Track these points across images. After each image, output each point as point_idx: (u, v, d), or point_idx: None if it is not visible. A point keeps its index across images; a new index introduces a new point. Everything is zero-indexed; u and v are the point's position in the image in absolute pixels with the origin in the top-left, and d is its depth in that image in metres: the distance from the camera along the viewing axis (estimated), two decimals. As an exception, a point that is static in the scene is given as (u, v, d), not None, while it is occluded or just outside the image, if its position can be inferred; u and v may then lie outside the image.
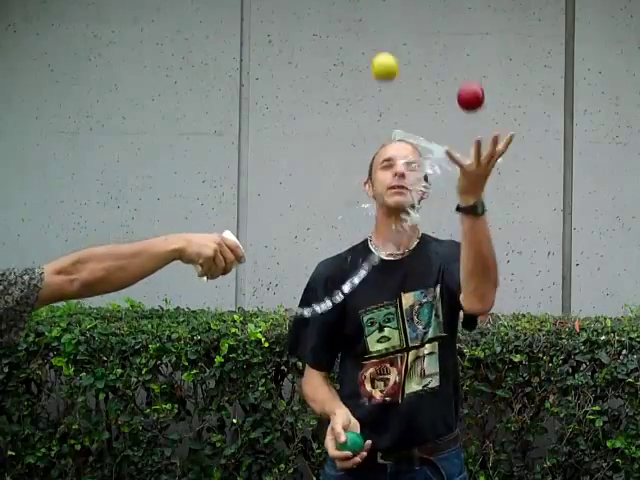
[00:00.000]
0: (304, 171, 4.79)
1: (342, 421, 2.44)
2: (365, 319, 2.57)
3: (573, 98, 4.79)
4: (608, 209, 4.77)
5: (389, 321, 2.54)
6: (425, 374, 2.55)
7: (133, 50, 4.84)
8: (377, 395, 2.55)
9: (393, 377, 2.54)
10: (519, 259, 4.74)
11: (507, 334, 3.93)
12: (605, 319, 4.09)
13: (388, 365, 2.55)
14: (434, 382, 2.55)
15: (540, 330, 3.97)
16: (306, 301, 2.64)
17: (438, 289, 2.55)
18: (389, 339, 2.53)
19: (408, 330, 2.54)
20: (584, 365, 3.94)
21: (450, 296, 2.52)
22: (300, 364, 3.89)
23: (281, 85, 4.82)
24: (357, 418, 2.52)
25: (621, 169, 4.77)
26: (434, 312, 2.55)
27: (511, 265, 4.72)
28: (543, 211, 4.75)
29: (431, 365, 2.55)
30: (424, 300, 2.55)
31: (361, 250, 2.66)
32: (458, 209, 2.29)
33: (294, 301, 4.30)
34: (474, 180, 2.23)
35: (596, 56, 4.79)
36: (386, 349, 2.54)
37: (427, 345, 2.55)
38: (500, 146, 2.19)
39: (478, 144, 2.17)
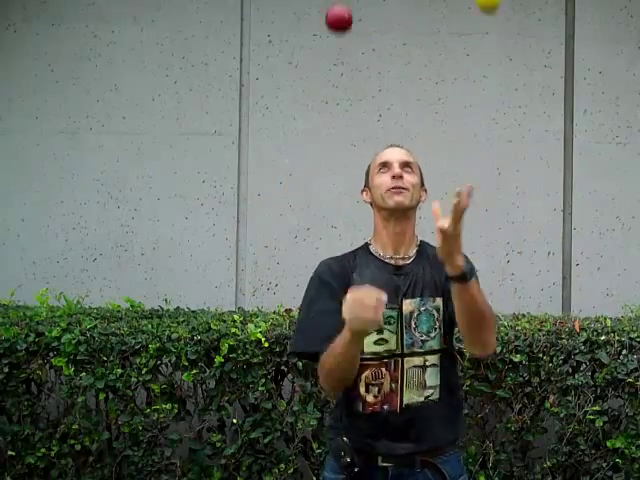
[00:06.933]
0: (304, 171, 4.79)
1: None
2: None
3: (573, 98, 4.79)
4: (608, 209, 4.76)
5: (389, 324, 2.52)
6: (426, 385, 2.53)
7: (133, 50, 4.84)
8: (370, 400, 2.53)
9: (387, 383, 2.52)
10: (519, 259, 4.74)
11: (507, 334, 3.93)
12: (605, 319, 4.09)
13: (383, 369, 2.53)
14: (435, 395, 2.54)
15: (540, 330, 3.96)
16: (318, 296, 2.56)
17: (440, 302, 2.55)
18: (387, 342, 2.52)
19: (405, 336, 2.53)
20: (584, 365, 3.94)
21: (451, 315, 2.51)
22: (300, 364, 3.89)
23: (281, 85, 4.82)
24: (356, 426, 2.51)
25: (621, 169, 4.77)
26: (436, 324, 2.54)
27: (511, 265, 4.72)
28: (543, 211, 4.75)
29: (433, 377, 2.54)
30: (422, 308, 2.54)
31: (362, 252, 2.63)
32: (448, 278, 2.35)
33: (294, 301, 4.29)
34: (451, 242, 2.27)
35: (596, 56, 4.79)
36: (382, 352, 2.53)
37: (430, 357, 2.54)
38: (463, 201, 2.23)
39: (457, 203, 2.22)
